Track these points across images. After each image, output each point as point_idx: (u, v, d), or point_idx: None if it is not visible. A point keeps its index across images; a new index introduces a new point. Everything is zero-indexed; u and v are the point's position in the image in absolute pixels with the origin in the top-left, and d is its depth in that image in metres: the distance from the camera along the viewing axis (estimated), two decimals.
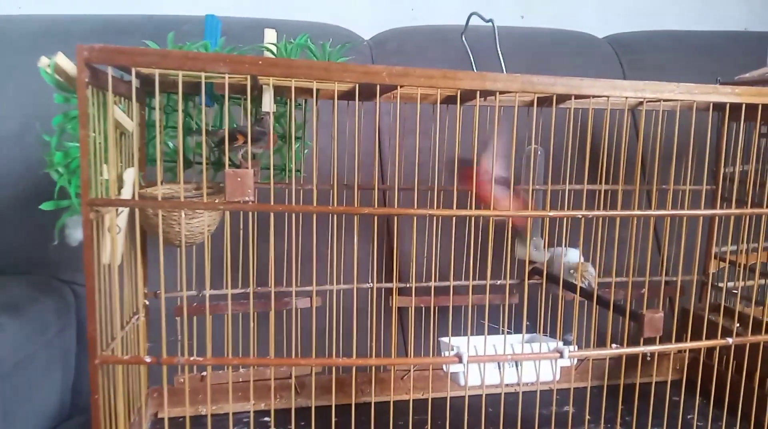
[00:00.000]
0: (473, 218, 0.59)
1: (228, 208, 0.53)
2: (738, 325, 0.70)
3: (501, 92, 0.59)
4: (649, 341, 0.66)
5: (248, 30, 0.81)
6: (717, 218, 0.89)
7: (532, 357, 0.61)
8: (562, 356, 0.62)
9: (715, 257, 0.95)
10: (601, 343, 0.86)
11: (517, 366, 0.62)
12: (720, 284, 0.92)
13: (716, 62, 1.34)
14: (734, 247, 0.91)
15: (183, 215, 0.59)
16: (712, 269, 0.95)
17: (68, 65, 0.55)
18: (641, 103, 0.87)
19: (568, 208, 0.74)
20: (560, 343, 0.62)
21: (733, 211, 0.65)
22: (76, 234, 0.60)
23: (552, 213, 0.60)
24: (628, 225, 0.65)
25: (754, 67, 0.94)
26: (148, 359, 0.55)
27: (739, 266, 0.85)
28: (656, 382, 0.88)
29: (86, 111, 0.51)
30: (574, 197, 0.91)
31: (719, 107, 0.88)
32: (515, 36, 1.23)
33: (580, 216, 0.61)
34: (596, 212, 0.61)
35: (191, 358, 0.56)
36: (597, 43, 1.32)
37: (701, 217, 0.68)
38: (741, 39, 1.43)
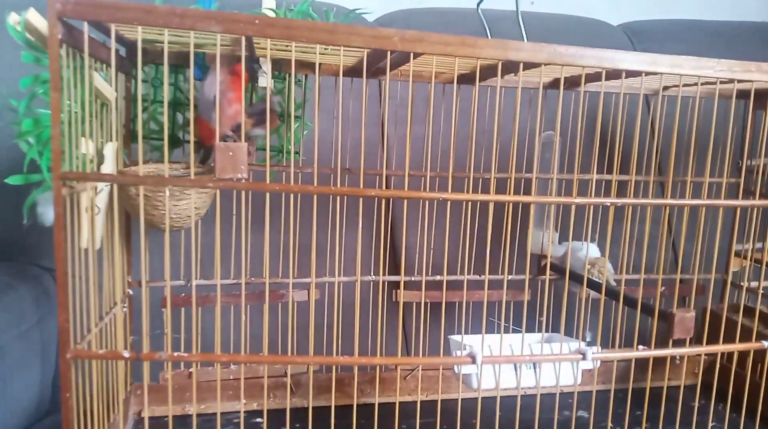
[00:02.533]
0: (490, 205, 0.53)
1: (218, 186, 0.47)
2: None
3: (525, 66, 0.53)
4: (677, 343, 0.61)
5: (244, 8, 0.75)
6: (740, 213, 0.84)
7: (552, 358, 0.55)
8: (584, 358, 0.56)
9: (737, 255, 0.90)
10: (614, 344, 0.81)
11: (535, 368, 0.57)
12: (742, 283, 0.87)
13: (733, 53, 1.28)
14: (759, 245, 0.86)
15: (167, 194, 0.53)
16: (733, 267, 0.90)
17: (41, 22, 0.48)
18: (663, 88, 0.82)
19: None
20: (582, 344, 0.57)
21: None
22: (49, 213, 0.54)
23: (578, 199, 0.54)
24: (649, 218, 0.60)
25: None
26: (126, 354, 0.49)
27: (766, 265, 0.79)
28: (674, 386, 0.82)
29: (58, 72, 0.45)
30: (589, 189, 0.86)
31: (746, 94, 0.83)
32: (525, 21, 1.17)
33: (609, 204, 0.55)
34: (626, 200, 0.55)
35: (175, 354, 0.50)
36: (611, 31, 1.27)
37: (737, 210, 0.63)
38: (758, 30, 1.38)
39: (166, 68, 0.48)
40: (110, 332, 0.64)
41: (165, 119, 0.48)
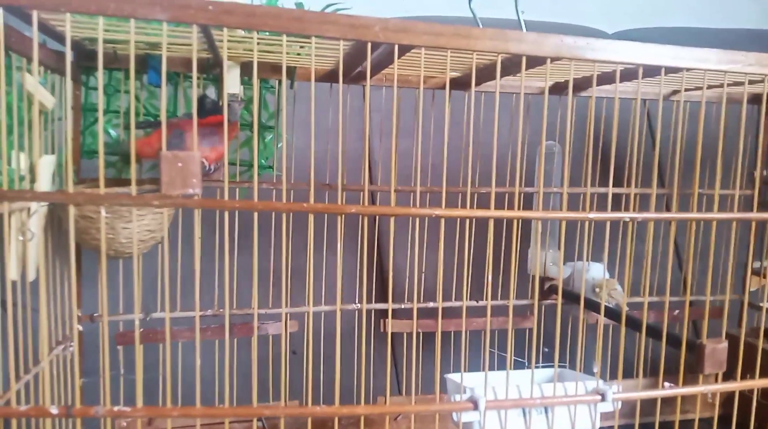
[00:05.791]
0: (491, 221, 0.46)
1: (165, 204, 0.39)
2: None
3: (528, 63, 0.46)
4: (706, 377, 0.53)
5: None
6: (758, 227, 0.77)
7: (567, 401, 0.47)
8: (604, 399, 0.48)
9: (755, 273, 0.82)
10: (628, 375, 0.73)
11: (546, 412, 0.49)
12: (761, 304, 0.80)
13: None
14: None
15: (103, 213, 0.45)
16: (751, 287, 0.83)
17: None
18: (674, 92, 0.75)
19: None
20: (601, 382, 0.49)
21: None
22: None
23: (593, 215, 0.47)
24: (673, 234, 0.53)
25: None
26: (54, 410, 0.41)
27: None
28: (702, 419, 0.74)
29: None
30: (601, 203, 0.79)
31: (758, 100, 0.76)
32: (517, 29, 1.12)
33: (628, 219, 0.48)
34: (648, 215, 0.48)
35: (115, 409, 0.41)
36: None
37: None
38: (756, 38, 1.33)
39: (100, 71, 0.40)
40: (54, 378, 0.55)
41: (99, 131, 0.40)
